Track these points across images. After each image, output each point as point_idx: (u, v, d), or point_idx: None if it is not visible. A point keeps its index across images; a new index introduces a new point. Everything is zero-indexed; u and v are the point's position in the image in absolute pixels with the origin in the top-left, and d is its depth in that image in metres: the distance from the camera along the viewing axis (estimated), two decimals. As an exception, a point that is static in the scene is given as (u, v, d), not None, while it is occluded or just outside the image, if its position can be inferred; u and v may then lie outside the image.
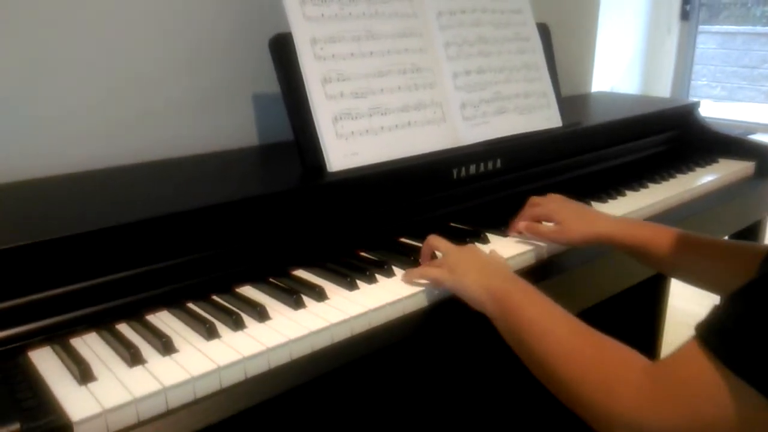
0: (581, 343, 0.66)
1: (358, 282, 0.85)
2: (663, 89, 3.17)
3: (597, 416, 0.61)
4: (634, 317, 1.75)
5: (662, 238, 0.91)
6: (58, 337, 0.72)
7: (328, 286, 0.85)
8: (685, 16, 3.19)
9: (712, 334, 0.55)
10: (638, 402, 0.58)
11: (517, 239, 1.02)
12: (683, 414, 0.55)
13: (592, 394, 0.62)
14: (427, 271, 0.85)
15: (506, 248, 0.98)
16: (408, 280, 0.86)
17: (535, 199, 1.06)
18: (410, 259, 0.92)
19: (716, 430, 0.54)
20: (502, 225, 1.06)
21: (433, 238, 0.90)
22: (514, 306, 0.74)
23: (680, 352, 0.57)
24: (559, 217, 0.99)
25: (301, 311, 0.79)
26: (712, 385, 0.53)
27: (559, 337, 0.68)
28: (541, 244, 1.00)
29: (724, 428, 0.53)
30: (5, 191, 0.93)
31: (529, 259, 0.99)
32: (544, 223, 1.02)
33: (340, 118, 0.99)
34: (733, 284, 0.55)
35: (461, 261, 0.83)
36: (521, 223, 1.01)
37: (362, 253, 0.97)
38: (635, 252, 0.94)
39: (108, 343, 0.72)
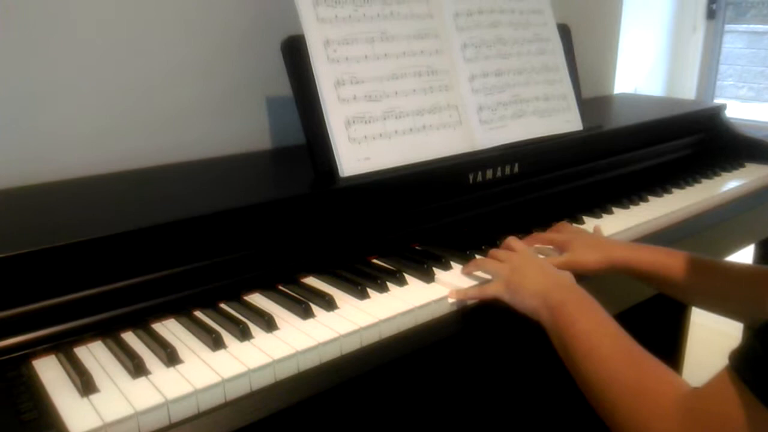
0: (623, 366, 0.65)
1: (369, 291, 0.83)
2: (688, 90, 3.10)
3: None
4: (657, 329, 1.71)
5: (678, 263, 0.87)
6: (63, 345, 0.71)
7: (338, 295, 0.83)
8: (711, 14, 3.12)
9: (743, 363, 0.52)
10: None
11: (536, 250, 0.99)
12: None
13: (627, 422, 0.61)
14: (484, 291, 0.84)
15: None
16: (459, 297, 0.84)
17: (562, 226, 1.03)
18: (423, 267, 0.90)
19: None
20: (520, 232, 1.03)
21: (482, 260, 0.90)
22: (566, 318, 0.73)
23: (712, 382, 0.55)
24: (570, 247, 0.94)
25: (310, 321, 0.77)
26: (740, 417, 0.51)
27: (603, 357, 0.67)
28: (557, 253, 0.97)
29: None
30: (11, 196, 0.93)
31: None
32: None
33: (353, 122, 0.97)
34: (753, 310, 0.52)
35: (518, 272, 0.82)
36: None
37: (374, 261, 0.95)
38: (651, 278, 0.90)
39: (112, 352, 0.70)
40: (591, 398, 0.67)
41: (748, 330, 0.54)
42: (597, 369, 0.66)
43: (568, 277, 0.82)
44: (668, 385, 0.61)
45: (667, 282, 0.88)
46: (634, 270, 0.90)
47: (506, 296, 0.82)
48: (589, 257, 0.91)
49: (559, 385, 1.29)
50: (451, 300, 0.83)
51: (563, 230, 1.01)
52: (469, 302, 0.85)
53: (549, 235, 1.00)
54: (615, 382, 0.64)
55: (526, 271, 0.83)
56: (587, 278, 0.90)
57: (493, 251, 0.91)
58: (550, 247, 0.98)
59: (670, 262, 0.87)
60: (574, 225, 1.07)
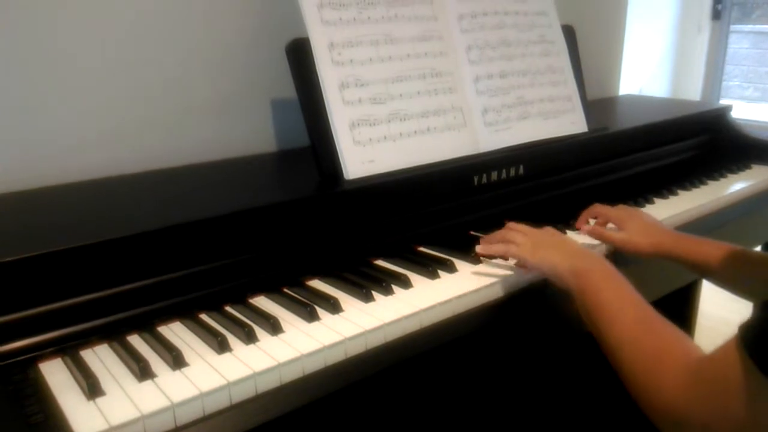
0: (643, 334, 0.69)
1: (374, 293, 0.83)
2: (693, 90, 3.09)
3: (646, 405, 0.65)
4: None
5: (720, 253, 0.90)
6: (70, 348, 0.71)
7: (343, 298, 0.83)
8: (716, 15, 3.11)
9: (750, 334, 0.54)
10: (678, 397, 0.60)
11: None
12: (714, 411, 0.57)
13: (644, 384, 0.65)
14: (508, 249, 0.88)
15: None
16: (484, 251, 0.90)
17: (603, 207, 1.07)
18: (428, 269, 0.89)
19: (744, 429, 0.54)
20: (524, 234, 1.03)
21: (511, 224, 0.94)
22: (592, 286, 0.77)
23: (720, 349, 0.57)
24: (626, 226, 0.99)
25: (315, 324, 0.77)
26: (742, 385, 0.54)
27: (625, 324, 0.71)
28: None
29: (751, 429, 0.54)
30: (17, 200, 0.93)
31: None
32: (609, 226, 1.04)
33: (358, 125, 0.97)
34: None
35: (545, 240, 0.88)
36: (585, 227, 1.03)
37: (379, 263, 0.95)
38: (694, 267, 0.94)
39: (118, 355, 0.70)
40: (613, 361, 0.71)
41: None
42: (619, 336, 0.71)
43: (590, 250, 0.86)
44: (682, 350, 0.64)
45: (710, 271, 0.92)
46: (679, 258, 0.95)
47: (530, 259, 0.86)
48: (643, 241, 0.97)
49: (562, 385, 1.29)
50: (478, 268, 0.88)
51: (609, 207, 1.05)
52: (474, 305, 0.85)
53: (596, 209, 1.05)
54: (635, 348, 0.68)
55: (551, 241, 0.88)
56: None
57: (512, 224, 0.94)
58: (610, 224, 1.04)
59: (713, 251, 0.91)
60: (621, 205, 1.09)
